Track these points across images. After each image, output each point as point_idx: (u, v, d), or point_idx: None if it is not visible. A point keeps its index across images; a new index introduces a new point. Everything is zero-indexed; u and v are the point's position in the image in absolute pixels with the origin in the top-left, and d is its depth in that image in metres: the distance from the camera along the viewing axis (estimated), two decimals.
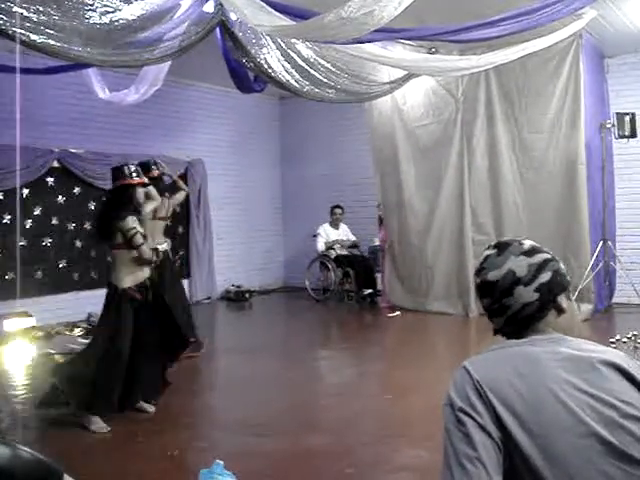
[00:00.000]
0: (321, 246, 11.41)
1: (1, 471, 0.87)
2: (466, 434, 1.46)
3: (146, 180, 5.72)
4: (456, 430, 1.49)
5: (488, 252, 1.78)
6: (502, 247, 1.76)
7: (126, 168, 5.51)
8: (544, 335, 1.69)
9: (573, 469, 1.41)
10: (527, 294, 1.68)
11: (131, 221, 5.24)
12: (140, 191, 5.52)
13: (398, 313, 9.96)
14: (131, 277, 5.31)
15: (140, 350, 5.34)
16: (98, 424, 5.13)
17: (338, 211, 11.53)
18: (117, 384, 5.23)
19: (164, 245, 7.01)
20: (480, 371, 1.56)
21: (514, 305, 1.71)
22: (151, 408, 5.58)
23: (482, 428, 1.46)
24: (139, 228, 5.28)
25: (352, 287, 11.27)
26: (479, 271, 1.78)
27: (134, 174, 5.45)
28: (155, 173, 7.06)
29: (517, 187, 9.27)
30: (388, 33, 5.88)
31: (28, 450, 0.87)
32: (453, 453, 1.47)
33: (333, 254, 11.32)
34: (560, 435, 1.44)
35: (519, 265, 1.70)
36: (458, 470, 1.43)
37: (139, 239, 5.23)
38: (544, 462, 1.42)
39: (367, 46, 6.36)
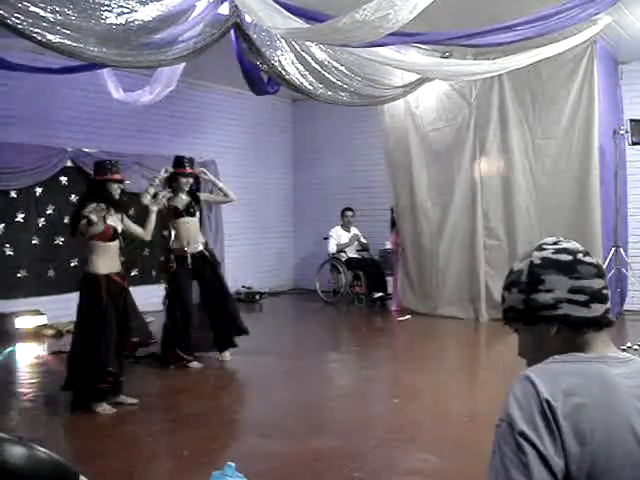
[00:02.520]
0: (332, 248, 11.40)
1: (17, 472, 0.88)
2: (525, 464, 1.29)
3: (120, 177, 5.79)
4: (513, 456, 1.31)
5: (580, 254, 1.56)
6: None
7: (107, 163, 5.77)
8: (611, 351, 1.52)
9: None
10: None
11: (88, 209, 5.45)
12: (115, 187, 5.66)
13: (408, 317, 9.95)
14: (105, 267, 5.53)
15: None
16: (102, 406, 5.45)
17: (349, 213, 11.52)
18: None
19: (198, 245, 7.14)
20: (549, 388, 1.36)
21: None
22: (133, 400, 5.73)
23: (544, 460, 1.29)
24: (92, 216, 5.40)
25: (362, 290, 11.26)
26: (588, 253, 1.56)
27: (114, 169, 5.68)
28: (187, 170, 7.15)
29: (529, 192, 9.24)
30: (402, 37, 5.88)
31: (44, 450, 0.88)
32: (504, 478, 1.31)
33: (344, 257, 11.32)
34: (630, 472, 1.31)
35: None
36: None
37: (83, 226, 5.46)
38: None
39: (381, 49, 6.36)
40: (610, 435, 1.32)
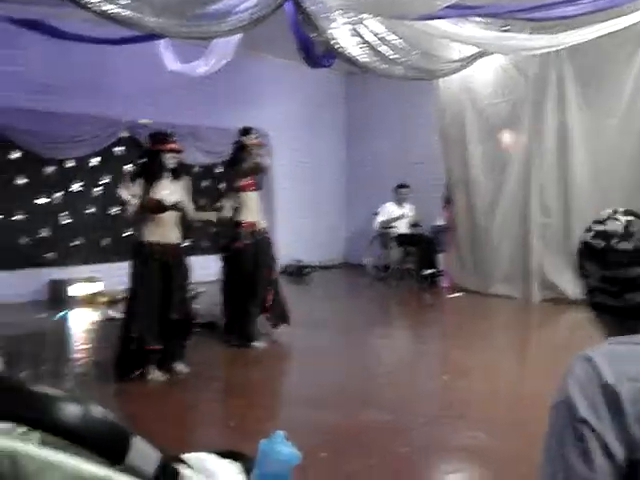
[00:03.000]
0: (376, 224, 11.37)
1: (73, 430, 0.89)
2: (586, 453, 1.24)
3: (175, 147, 5.73)
4: (574, 441, 1.26)
5: (627, 218, 1.49)
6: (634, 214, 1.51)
7: (162, 133, 5.76)
8: None
9: None
10: None
11: (134, 185, 5.52)
12: (169, 157, 5.63)
13: (459, 294, 9.88)
14: (153, 237, 5.54)
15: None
16: (153, 373, 5.55)
17: (403, 190, 11.39)
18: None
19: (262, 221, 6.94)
20: (612, 372, 1.28)
21: None
22: (186, 368, 5.77)
23: (606, 449, 1.23)
24: (135, 190, 5.47)
25: (413, 266, 11.20)
26: (629, 236, 1.46)
27: (168, 140, 5.64)
28: (253, 141, 6.86)
29: (586, 170, 9.03)
30: (460, 9, 5.78)
31: (100, 409, 0.89)
32: (564, 467, 1.26)
33: (395, 232, 11.25)
34: None
35: None
36: None
37: (128, 207, 5.51)
38: None
39: (438, 22, 6.26)
40: None
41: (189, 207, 5.80)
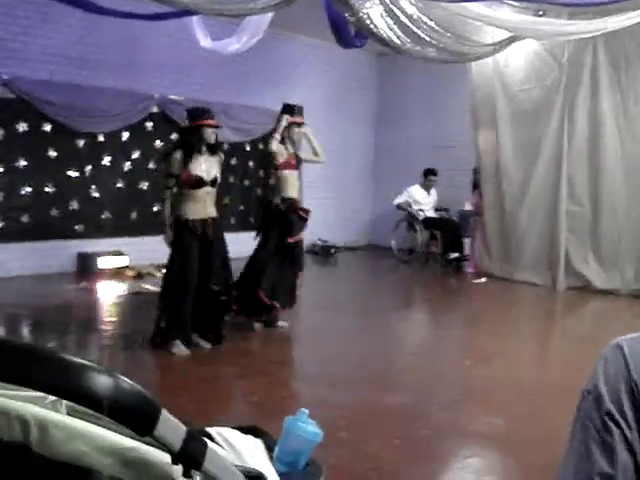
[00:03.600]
0: (397, 201, 11.37)
1: (102, 400, 0.91)
2: (610, 447, 1.20)
3: (214, 122, 5.74)
4: (598, 435, 1.22)
5: None
6: None
7: (201, 109, 5.78)
8: None
9: None
10: None
11: (171, 162, 5.59)
12: (209, 132, 5.65)
13: (484, 279, 9.85)
14: (192, 211, 5.58)
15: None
16: (178, 347, 5.61)
17: (432, 177, 11.34)
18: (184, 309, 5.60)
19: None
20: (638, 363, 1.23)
21: None
22: (207, 344, 5.82)
23: (629, 445, 1.19)
24: (174, 169, 5.56)
25: (438, 250, 11.17)
26: None
27: (206, 116, 5.65)
28: (297, 119, 6.68)
29: (617, 159, 8.92)
30: None
31: (129, 381, 0.91)
32: (586, 458, 1.23)
33: (421, 215, 11.22)
34: None
35: None
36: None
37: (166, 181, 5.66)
38: None
39: (472, 5, 6.21)
40: None
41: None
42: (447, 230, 11.09)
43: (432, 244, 11.29)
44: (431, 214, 11.31)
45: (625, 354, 1.23)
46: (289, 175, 6.63)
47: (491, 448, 4.10)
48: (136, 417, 0.94)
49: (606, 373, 1.24)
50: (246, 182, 11.28)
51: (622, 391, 1.21)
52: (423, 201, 11.32)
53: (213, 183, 5.67)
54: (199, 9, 5.69)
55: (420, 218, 11.22)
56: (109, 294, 8.26)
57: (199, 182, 5.56)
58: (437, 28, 6.83)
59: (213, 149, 5.71)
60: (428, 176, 11.33)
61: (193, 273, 5.54)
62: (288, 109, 6.69)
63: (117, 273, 9.09)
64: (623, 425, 1.19)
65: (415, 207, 11.28)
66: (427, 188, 11.41)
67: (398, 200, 11.38)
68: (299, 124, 6.69)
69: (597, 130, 9.03)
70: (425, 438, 4.14)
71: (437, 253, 11.21)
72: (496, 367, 5.69)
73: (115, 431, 1.16)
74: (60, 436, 1.14)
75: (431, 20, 6.74)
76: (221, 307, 5.83)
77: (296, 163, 6.79)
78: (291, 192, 6.62)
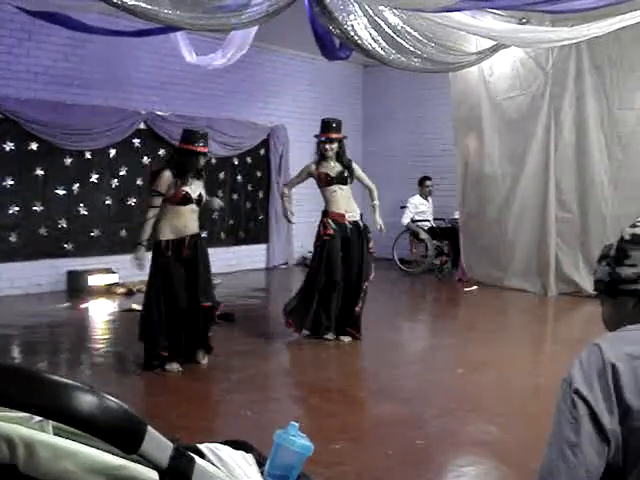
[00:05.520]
0: (407, 219, 11.18)
1: (86, 419, 0.90)
2: (575, 418, 1.39)
3: (206, 150, 5.73)
4: (567, 411, 1.41)
5: None
6: None
7: (197, 133, 5.69)
8: None
9: None
10: None
11: (160, 180, 5.54)
12: (201, 158, 5.66)
13: (475, 287, 9.85)
14: (171, 229, 5.55)
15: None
16: (171, 365, 5.53)
17: (429, 183, 11.33)
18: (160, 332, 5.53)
19: (353, 214, 6.93)
20: (614, 352, 1.42)
21: None
22: (204, 360, 5.78)
23: (595, 417, 1.37)
24: (162, 188, 5.52)
25: (446, 259, 10.97)
26: None
27: (201, 142, 5.60)
28: (334, 135, 7.07)
29: (604, 164, 8.95)
30: (478, 2, 5.76)
31: (114, 400, 0.91)
32: (558, 433, 1.42)
33: (427, 225, 11.20)
34: None
35: None
36: (557, 452, 1.40)
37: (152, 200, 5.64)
38: None
39: (456, 15, 6.24)
40: None
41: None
42: (453, 238, 10.88)
43: (437, 254, 11.06)
44: (434, 224, 11.26)
45: (600, 347, 1.43)
46: (329, 190, 7.10)
47: (486, 456, 4.08)
48: (122, 435, 0.94)
49: (580, 364, 1.44)
50: (234, 196, 11.27)
51: (593, 374, 1.40)
52: (425, 210, 11.31)
53: (199, 202, 5.67)
54: (183, 25, 5.71)
55: (426, 228, 11.17)
56: (100, 312, 8.22)
57: (185, 199, 5.55)
58: (421, 38, 6.87)
59: (199, 173, 5.74)
60: (424, 182, 11.35)
61: (177, 292, 5.50)
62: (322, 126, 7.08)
63: (107, 290, 9.06)
64: (590, 399, 1.37)
65: (418, 218, 11.22)
66: (425, 195, 11.41)
67: (406, 220, 11.17)
68: (330, 140, 7.07)
69: (583, 136, 9.06)
70: (421, 447, 4.13)
71: (444, 262, 11.05)
72: (489, 374, 5.69)
73: (103, 450, 1.15)
74: (47, 456, 1.13)
75: (415, 30, 6.78)
76: (208, 319, 5.80)
77: (344, 178, 7.11)
78: (336, 205, 7.03)
